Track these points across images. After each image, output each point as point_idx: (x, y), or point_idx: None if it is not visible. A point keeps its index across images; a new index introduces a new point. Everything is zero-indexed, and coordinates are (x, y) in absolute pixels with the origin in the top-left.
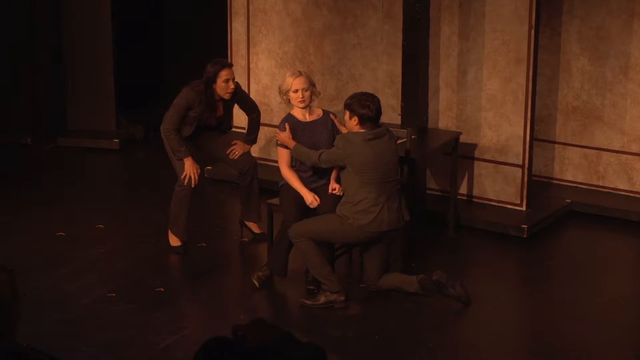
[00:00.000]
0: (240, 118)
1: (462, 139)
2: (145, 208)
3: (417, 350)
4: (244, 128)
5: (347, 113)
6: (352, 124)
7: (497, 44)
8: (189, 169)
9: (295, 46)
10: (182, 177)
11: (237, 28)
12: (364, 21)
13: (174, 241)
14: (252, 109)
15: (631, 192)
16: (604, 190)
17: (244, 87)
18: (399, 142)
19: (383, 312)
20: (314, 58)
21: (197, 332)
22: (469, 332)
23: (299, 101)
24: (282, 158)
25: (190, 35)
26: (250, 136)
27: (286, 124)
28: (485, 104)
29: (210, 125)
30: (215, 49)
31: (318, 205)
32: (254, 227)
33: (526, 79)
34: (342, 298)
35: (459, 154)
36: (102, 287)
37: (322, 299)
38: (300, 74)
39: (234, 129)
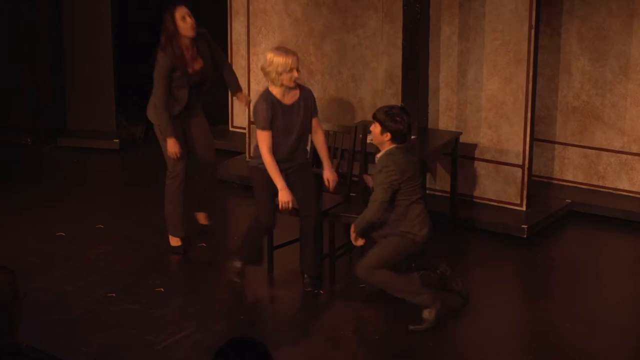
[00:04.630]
0: (240, 118)
1: (462, 139)
2: (145, 208)
3: (417, 350)
4: (244, 128)
5: (379, 127)
6: (383, 139)
7: (497, 44)
8: (172, 148)
9: (295, 46)
10: (167, 154)
11: (237, 28)
12: (364, 21)
13: (174, 241)
14: (223, 59)
15: (631, 192)
16: (604, 190)
17: (244, 87)
18: None
19: (383, 311)
20: (314, 58)
21: (197, 332)
22: (469, 331)
23: (293, 80)
24: (264, 141)
25: None
26: (238, 88)
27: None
28: (485, 104)
29: (200, 84)
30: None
31: (293, 194)
32: (202, 218)
33: (526, 79)
34: (439, 303)
35: (459, 154)
36: (102, 287)
37: (432, 316)
38: (290, 51)
39: (233, 129)
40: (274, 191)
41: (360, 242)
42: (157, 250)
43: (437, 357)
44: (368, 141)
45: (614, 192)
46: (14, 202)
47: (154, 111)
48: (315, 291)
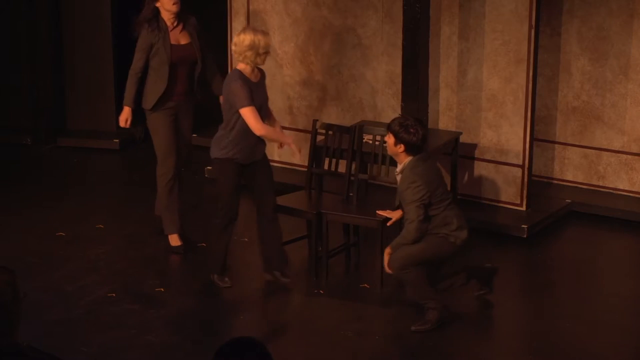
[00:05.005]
0: None
1: (462, 139)
2: (145, 208)
3: (417, 350)
4: None
5: (392, 139)
6: (397, 150)
7: (497, 44)
8: (122, 115)
9: (295, 46)
10: (119, 121)
11: (237, 28)
12: (364, 21)
13: (173, 240)
14: (211, 57)
15: (631, 192)
16: (604, 190)
17: None
18: None
19: (383, 311)
20: (314, 58)
21: (197, 332)
22: (469, 331)
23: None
24: (254, 115)
25: None
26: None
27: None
28: (485, 104)
29: (187, 62)
30: (215, 48)
31: (254, 181)
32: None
33: (526, 79)
34: (444, 307)
35: (459, 154)
36: (102, 287)
37: (434, 317)
38: (265, 31)
39: None
40: (240, 183)
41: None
42: (157, 250)
43: (437, 357)
44: (364, 141)
45: (614, 192)
46: (14, 202)
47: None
48: (273, 278)
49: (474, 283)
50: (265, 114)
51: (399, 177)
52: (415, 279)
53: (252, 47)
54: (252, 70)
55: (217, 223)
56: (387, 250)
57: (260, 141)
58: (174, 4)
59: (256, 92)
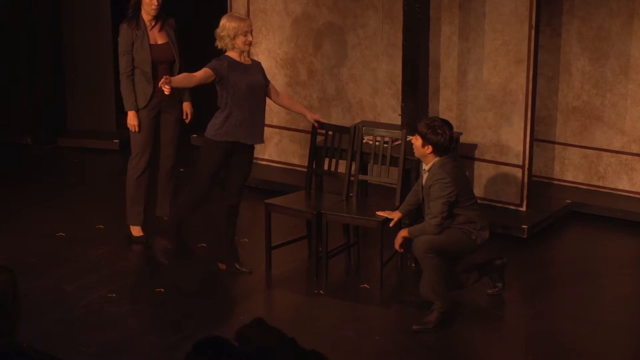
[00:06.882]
0: None
1: (462, 139)
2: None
3: (416, 350)
4: None
5: (420, 140)
6: (425, 152)
7: (497, 44)
8: (130, 120)
9: (295, 46)
10: (128, 125)
11: None
12: (364, 21)
13: (135, 231)
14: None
15: (631, 192)
16: (604, 190)
17: None
18: (395, 143)
19: (383, 311)
20: (314, 58)
21: (197, 332)
22: (469, 331)
23: (248, 44)
24: (199, 71)
25: (190, 36)
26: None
27: None
28: (485, 104)
29: (166, 61)
30: (215, 49)
31: (233, 169)
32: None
33: (526, 79)
34: (450, 308)
35: (459, 154)
36: (102, 287)
37: (435, 318)
38: (244, 17)
39: None
40: (222, 167)
41: (402, 250)
42: None
43: (437, 357)
44: (364, 141)
45: (614, 192)
46: (14, 202)
47: (120, 76)
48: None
49: (486, 281)
50: (264, 97)
51: (425, 175)
52: (436, 267)
53: (224, 29)
54: (240, 55)
55: (184, 202)
56: (403, 233)
57: (258, 120)
58: (153, 8)
59: (246, 71)
